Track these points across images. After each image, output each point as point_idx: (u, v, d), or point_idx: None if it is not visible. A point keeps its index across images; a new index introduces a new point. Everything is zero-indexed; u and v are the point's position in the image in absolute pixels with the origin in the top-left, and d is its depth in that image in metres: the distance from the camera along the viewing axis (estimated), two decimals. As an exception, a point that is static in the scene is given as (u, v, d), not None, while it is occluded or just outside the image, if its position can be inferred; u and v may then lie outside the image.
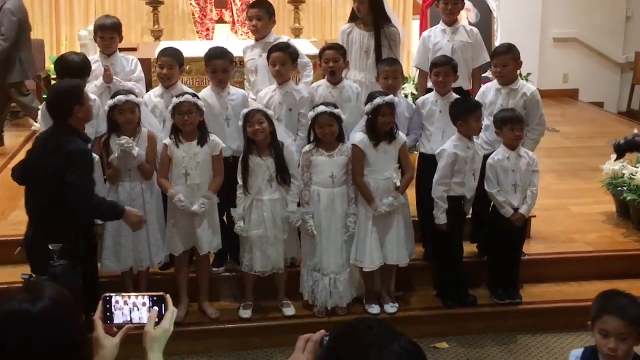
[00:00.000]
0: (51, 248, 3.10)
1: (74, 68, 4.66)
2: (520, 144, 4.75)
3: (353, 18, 5.18)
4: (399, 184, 4.64)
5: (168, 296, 2.14)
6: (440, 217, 4.70)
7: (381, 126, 4.58)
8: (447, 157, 4.65)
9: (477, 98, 4.99)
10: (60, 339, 1.71)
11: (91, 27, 7.41)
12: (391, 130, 4.64)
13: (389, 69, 4.82)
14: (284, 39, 5.26)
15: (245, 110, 4.55)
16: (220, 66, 4.74)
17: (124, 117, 4.45)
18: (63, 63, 4.71)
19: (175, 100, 4.47)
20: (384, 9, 5.12)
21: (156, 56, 5.11)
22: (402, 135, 4.71)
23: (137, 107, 4.48)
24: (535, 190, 4.79)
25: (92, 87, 4.91)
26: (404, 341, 1.55)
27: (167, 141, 4.55)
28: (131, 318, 2.12)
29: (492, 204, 4.82)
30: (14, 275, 4.95)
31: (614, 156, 5.17)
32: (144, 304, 2.12)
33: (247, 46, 5.31)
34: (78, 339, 1.78)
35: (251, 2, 5.42)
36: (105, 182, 4.55)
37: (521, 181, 4.74)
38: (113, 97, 4.51)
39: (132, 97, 4.46)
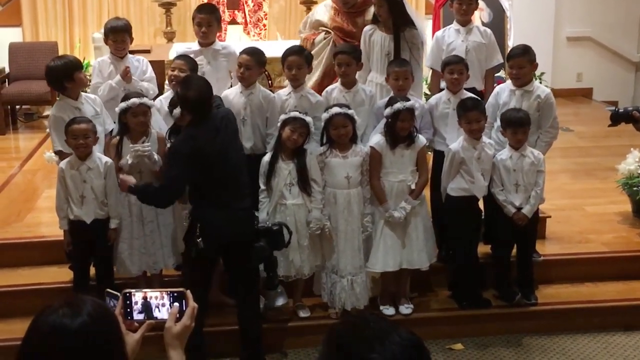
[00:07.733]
0: None
1: (71, 64, 4.69)
2: (524, 144, 4.72)
3: (375, 19, 5.15)
4: (413, 186, 4.63)
5: (189, 292, 2.13)
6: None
7: (399, 130, 4.58)
8: (449, 156, 4.70)
9: (490, 98, 4.97)
10: (97, 356, 1.74)
11: (104, 29, 7.47)
12: (410, 134, 4.63)
13: (398, 70, 4.79)
14: (231, 46, 5.19)
15: (294, 114, 4.50)
16: (243, 61, 4.68)
17: (136, 120, 4.45)
18: (63, 65, 4.66)
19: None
20: (405, 11, 5.05)
21: (171, 58, 5.11)
22: (421, 139, 4.70)
23: (149, 110, 4.49)
24: (540, 190, 4.75)
25: (108, 86, 4.95)
26: (403, 332, 1.60)
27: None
28: (152, 314, 2.12)
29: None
30: (25, 277, 5.00)
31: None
32: (164, 300, 2.12)
33: (191, 50, 5.13)
34: (115, 355, 1.80)
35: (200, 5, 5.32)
36: None
37: (523, 181, 4.71)
38: (124, 99, 4.50)
39: (145, 100, 4.47)
